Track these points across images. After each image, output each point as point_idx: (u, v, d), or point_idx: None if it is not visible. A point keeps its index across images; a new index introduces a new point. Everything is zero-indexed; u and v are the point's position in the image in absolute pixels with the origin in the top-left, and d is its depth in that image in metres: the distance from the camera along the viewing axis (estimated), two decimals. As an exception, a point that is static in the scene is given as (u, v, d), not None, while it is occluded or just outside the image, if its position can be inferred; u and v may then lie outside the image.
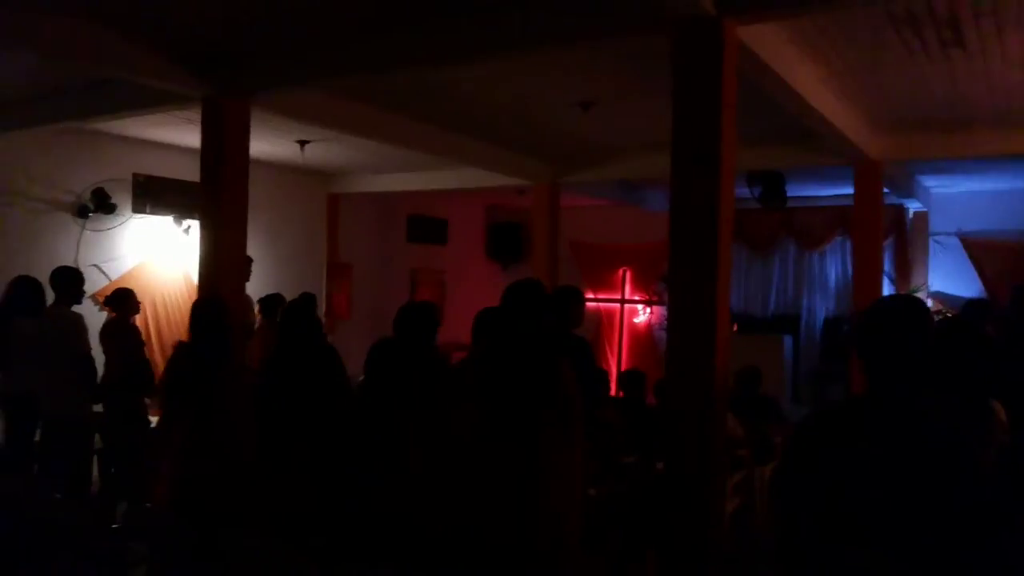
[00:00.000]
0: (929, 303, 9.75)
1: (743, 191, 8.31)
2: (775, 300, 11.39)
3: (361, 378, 3.79)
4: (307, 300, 6.25)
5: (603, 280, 12.54)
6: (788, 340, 10.17)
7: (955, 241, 10.10)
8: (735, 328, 9.81)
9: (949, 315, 8.51)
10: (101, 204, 7.84)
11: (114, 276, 8.08)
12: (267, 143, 7.99)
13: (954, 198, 10.14)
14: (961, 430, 2.09)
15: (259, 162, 8.65)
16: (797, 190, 9.25)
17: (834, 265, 11.01)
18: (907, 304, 2.30)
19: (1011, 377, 4.28)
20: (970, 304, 5.75)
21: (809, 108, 5.39)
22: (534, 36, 4.36)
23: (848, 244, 10.15)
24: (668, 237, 3.82)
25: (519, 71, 5.63)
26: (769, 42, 4.42)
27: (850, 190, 7.65)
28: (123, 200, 8.13)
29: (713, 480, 3.71)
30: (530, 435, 2.99)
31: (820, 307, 11.07)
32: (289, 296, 7.56)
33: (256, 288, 8.24)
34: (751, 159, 7.48)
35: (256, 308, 7.84)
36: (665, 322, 4.01)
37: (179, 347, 4.38)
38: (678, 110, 3.80)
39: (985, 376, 3.22)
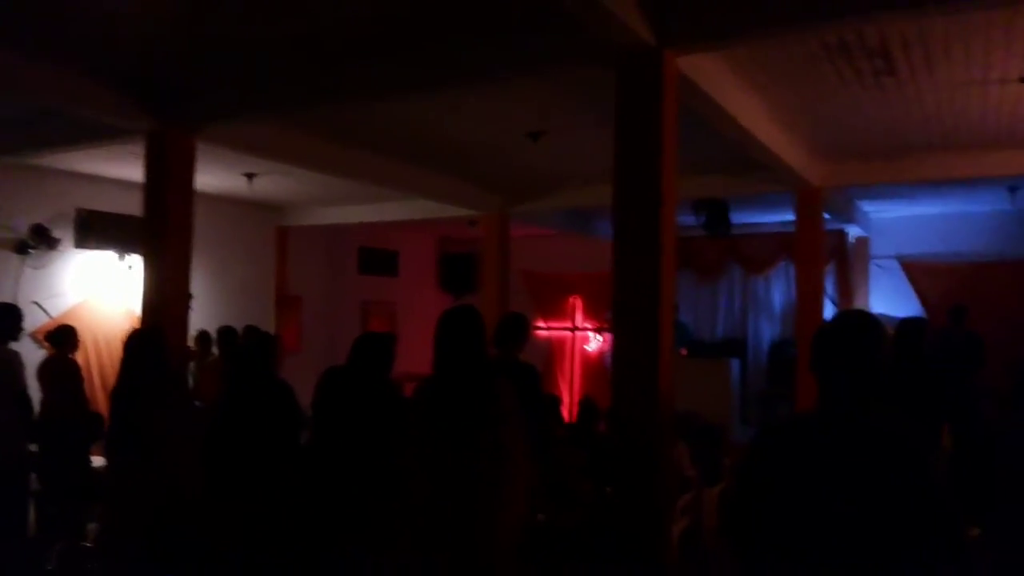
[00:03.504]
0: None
1: (689, 219, 8.46)
2: (723, 324, 11.60)
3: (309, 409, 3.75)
4: (268, 338, 6.19)
5: (554, 309, 12.62)
6: (736, 363, 10.30)
7: (895, 264, 10.41)
8: (684, 352, 9.91)
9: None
10: (42, 239, 7.67)
11: (55, 313, 7.88)
12: (214, 176, 7.92)
13: (893, 223, 10.46)
14: (913, 445, 2.13)
15: (206, 195, 8.56)
16: (741, 217, 9.44)
17: (778, 289, 11.26)
18: (863, 319, 2.37)
19: (952, 397, 4.41)
20: (906, 322, 5.88)
21: (750, 137, 5.53)
22: (481, 68, 4.44)
23: (791, 269, 10.38)
24: (613, 265, 3.88)
25: (468, 102, 5.68)
26: (710, 73, 4.54)
27: (792, 216, 7.84)
28: (65, 235, 7.96)
29: (662, 502, 3.74)
30: (469, 456, 3.02)
31: (766, 330, 11.30)
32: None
33: (204, 323, 8.11)
34: (696, 187, 7.64)
35: (193, 341, 7.71)
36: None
37: (118, 383, 4.27)
38: (621, 139, 3.88)
39: (934, 398, 3.31)
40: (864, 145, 6.83)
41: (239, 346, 7.21)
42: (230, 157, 7.01)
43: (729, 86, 4.93)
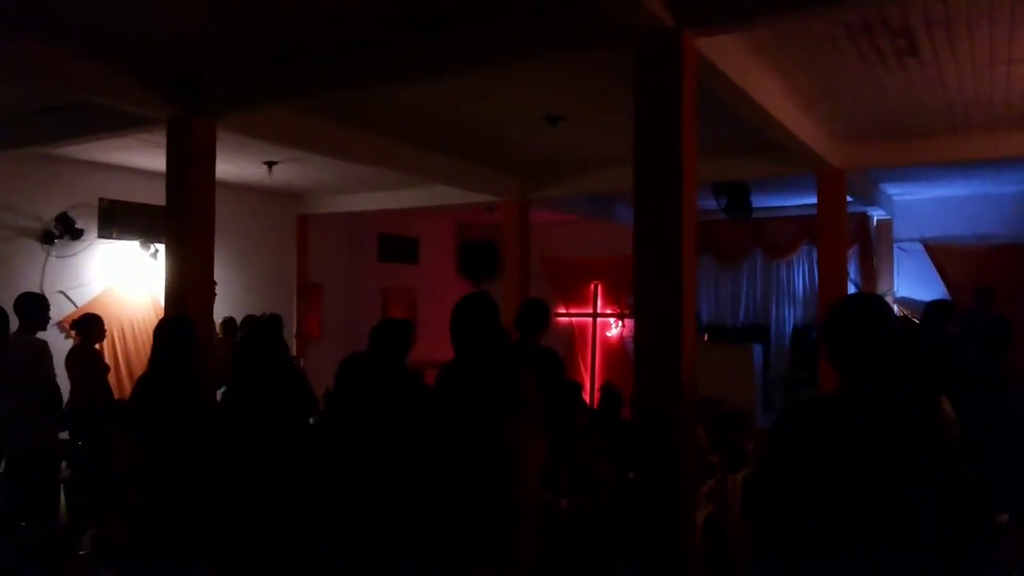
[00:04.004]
0: (895, 309, 9.90)
1: (710, 203, 8.42)
2: (744, 310, 11.53)
3: (328, 391, 3.78)
4: (271, 320, 6.23)
5: (575, 294, 12.60)
6: (758, 349, 10.27)
7: (918, 247, 10.29)
8: (706, 338, 9.88)
9: (915, 320, 8.65)
10: (67, 230, 7.77)
11: (80, 302, 7.99)
12: (234, 165, 7.97)
13: (916, 205, 10.34)
14: (937, 426, 2.12)
15: (226, 184, 8.65)
16: (762, 200, 9.37)
17: (801, 274, 11.17)
18: (867, 301, 2.35)
19: (969, 371, 4.39)
20: (932, 305, 5.85)
21: (771, 119, 5.48)
22: (499, 51, 4.43)
23: (814, 253, 10.29)
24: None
25: (487, 87, 5.67)
26: (729, 54, 4.50)
27: (814, 199, 7.77)
28: (89, 225, 8.06)
29: (685, 488, 3.73)
30: (487, 442, 3.03)
31: (788, 315, 11.22)
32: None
33: (227, 311, 8.18)
34: (716, 171, 7.59)
35: (219, 328, 7.79)
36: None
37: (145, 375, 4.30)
38: (640, 122, 3.85)
39: (935, 373, 3.29)
40: (886, 127, 6.75)
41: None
42: (250, 145, 7.05)
43: (749, 67, 4.89)
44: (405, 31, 4.52)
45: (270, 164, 8.06)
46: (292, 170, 8.46)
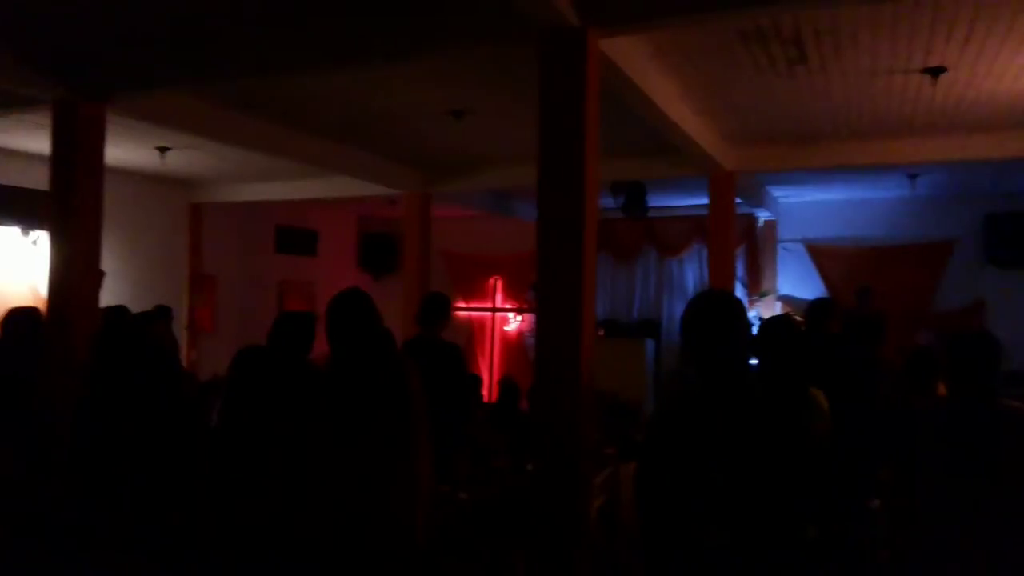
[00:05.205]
0: (778, 306, 10.39)
1: (607, 201, 8.60)
2: (639, 306, 11.85)
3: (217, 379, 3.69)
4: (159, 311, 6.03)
5: (475, 289, 12.66)
6: (651, 344, 10.58)
7: (801, 248, 10.81)
8: (601, 333, 10.09)
9: (797, 317, 9.08)
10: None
11: (-48, 291, 7.52)
12: (125, 150, 7.66)
13: (800, 207, 10.86)
14: (790, 415, 2.26)
15: (116, 169, 8.27)
16: (657, 200, 9.64)
17: (692, 272, 11.59)
18: (719, 297, 2.48)
19: (845, 366, 4.66)
20: (815, 303, 6.17)
21: (668, 121, 5.66)
22: (403, 43, 4.40)
23: (704, 251, 10.67)
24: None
25: (391, 78, 5.64)
26: (631, 56, 4.63)
27: (706, 200, 8.06)
28: (-38, 209, 7.59)
29: (582, 479, 3.83)
30: (372, 437, 3.03)
31: (679, 312, 11.52)
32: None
33: (113, 302, 7.83)
34: (614, 170, 7.77)
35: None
36: (534, 329, 4.12)
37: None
38: (544, 120, 3.91)
39: (806, 367, 3.48)
40: (775, 132, 7.06)
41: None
42: (142, 130, 6.78)
43: (649, 69, 5.04)
44: (305, 18, 4.44)
45: (163, 150, 7.77)
46: (186, 156, 8.18)
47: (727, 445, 2.18)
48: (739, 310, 2.35)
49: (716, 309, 2.33)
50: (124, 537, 3.40)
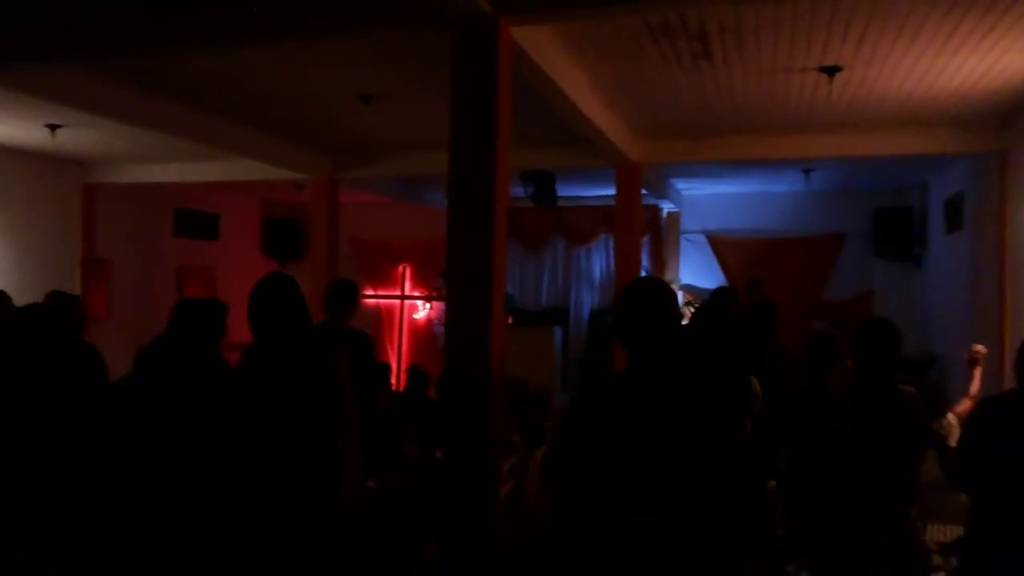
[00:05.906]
0: (680, 295, 10.69)
1: (517, 190, 8.65)
2: (547, 294, 12.00)
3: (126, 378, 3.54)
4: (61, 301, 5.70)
5: (383, 276, 12.54)
6: (559, 331, 10.73)
7: (702, 239, 11.15)
8: (510, 321, 10.17)
9: (698, 304, 9.36)
10: None
11: None
12: (12, 126, 7.27)
13: (701, 200, 11.19)
14: (716, 402, 2.34)
15: (2, 147, 7.85)
16: (566, 190, 9.76)
17: (599, 261, 11.81)
18: (654, 285, 2.57)
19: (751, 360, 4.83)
20: (716, 292, 6.41)
21: (577, 112, 5.72)
22: (310, 22, 4.25)
23: (611, 241, 10.87)
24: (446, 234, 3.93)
25: (298, 58, 5.50)
26: (543, 46, 4.66)
27: (613, 191, 8.21)
28: None
29: (491, 465, 3.86)
30: (292, 425, 2.99)
31: (587, 300, 11.82)
32: (34, 295, 6.91)
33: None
34: (524, 159, 7.81)
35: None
36: (444, 317, 4.12)
37: None
38: (456, 107, 3.91)
39: (740, 354, 3.62)
40: (680, 125, 7.23)
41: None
42: (31, 105, 6.42)
43: (559, 60, 5.08)
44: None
45: (53, 127, 7.38)
46: (79, 135, 7.79)
47: (653, 431, 2.23)
48: (671, 298, 2.44)
49: (649, 296, 2.40)
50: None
